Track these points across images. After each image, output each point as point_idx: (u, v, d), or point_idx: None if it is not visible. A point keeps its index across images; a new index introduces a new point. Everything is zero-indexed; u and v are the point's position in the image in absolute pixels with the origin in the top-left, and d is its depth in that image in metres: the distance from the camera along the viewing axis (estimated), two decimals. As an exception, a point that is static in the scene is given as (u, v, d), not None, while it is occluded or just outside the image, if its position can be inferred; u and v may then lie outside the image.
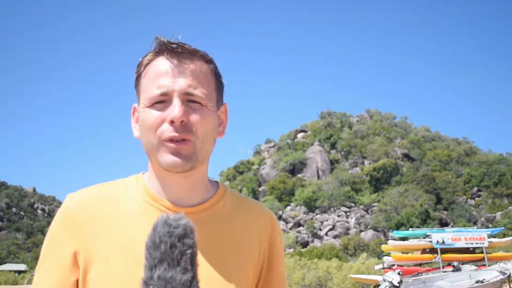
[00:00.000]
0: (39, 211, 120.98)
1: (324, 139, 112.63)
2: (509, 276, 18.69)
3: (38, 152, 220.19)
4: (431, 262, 23.90)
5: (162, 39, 1.20)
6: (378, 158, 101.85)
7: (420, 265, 23.97)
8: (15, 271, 62.93)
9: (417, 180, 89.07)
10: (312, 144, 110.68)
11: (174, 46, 1.19)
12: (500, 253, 24.47)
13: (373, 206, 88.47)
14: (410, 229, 32.98)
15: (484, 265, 21.84)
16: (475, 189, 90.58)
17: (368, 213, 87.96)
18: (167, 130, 1.14)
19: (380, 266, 25.11)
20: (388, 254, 24.30)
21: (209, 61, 1.25)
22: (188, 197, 1.23)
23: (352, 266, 37.44)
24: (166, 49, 1.20)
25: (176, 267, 0.73)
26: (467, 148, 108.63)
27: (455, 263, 20.21)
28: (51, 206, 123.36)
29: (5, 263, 76.11)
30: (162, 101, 1.17)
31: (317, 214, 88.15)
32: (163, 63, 1.19)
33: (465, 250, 23.25)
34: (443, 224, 72.77)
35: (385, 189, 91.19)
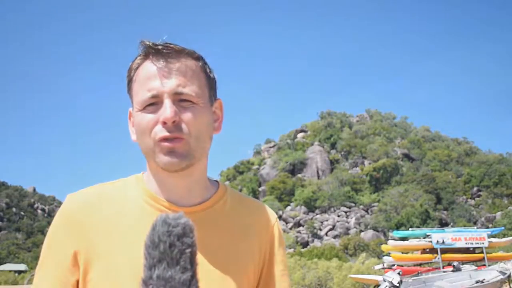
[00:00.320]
0: (39, 211, 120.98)
1: (324, 139, 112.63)
2: (509, 276, 18.69)
3: (38, 152, 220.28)
4: (431, 262, 23.89)
5: (147, 42, 1.20)
6: (378, 158, 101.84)
7: (420, 265, 23.96)
8: (15, 271, 62.91)
9: (417, 180, 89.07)
10: (312, 144, 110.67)
11: (159, 47, 1.19)
12: (500, 253, 24.47)
13: (373, 206, 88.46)
14: (410, 229, 32.97)
15: (484, 265, 21.83)
16: (475, 189, 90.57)
17: (368, 213, 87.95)
18: (160, 131, 1.15)
19: (380, 266, 25.10)
20: (388, 254, 24.29)
21: (197, 58, 1.25)
22: (188, 196, 1.23)
23: (352, 266, 37.44)
24: (152, 51, 1.20)
25: (175, 266, 0.73)
26: (467, 148, 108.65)
27: (455, 263, 20.20)
28: (51, 206, 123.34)
29: (5, 263, 76.11)
30: (154, 103, 1.17)
31: (317, 214, 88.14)
32: (150, 66, 1.20)
33: (465, 250, 23.24)
34: (443, 224, 72.76)
35: (385, 189, 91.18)
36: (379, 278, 21.00)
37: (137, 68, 1.22)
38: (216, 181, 1.35)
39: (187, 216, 0.77)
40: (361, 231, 79.79)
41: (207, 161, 1.28)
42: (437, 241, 22.73)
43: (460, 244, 22.90)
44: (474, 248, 23.25)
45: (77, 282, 1.17)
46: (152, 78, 1.18)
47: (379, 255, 45.45)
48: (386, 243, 26.32)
